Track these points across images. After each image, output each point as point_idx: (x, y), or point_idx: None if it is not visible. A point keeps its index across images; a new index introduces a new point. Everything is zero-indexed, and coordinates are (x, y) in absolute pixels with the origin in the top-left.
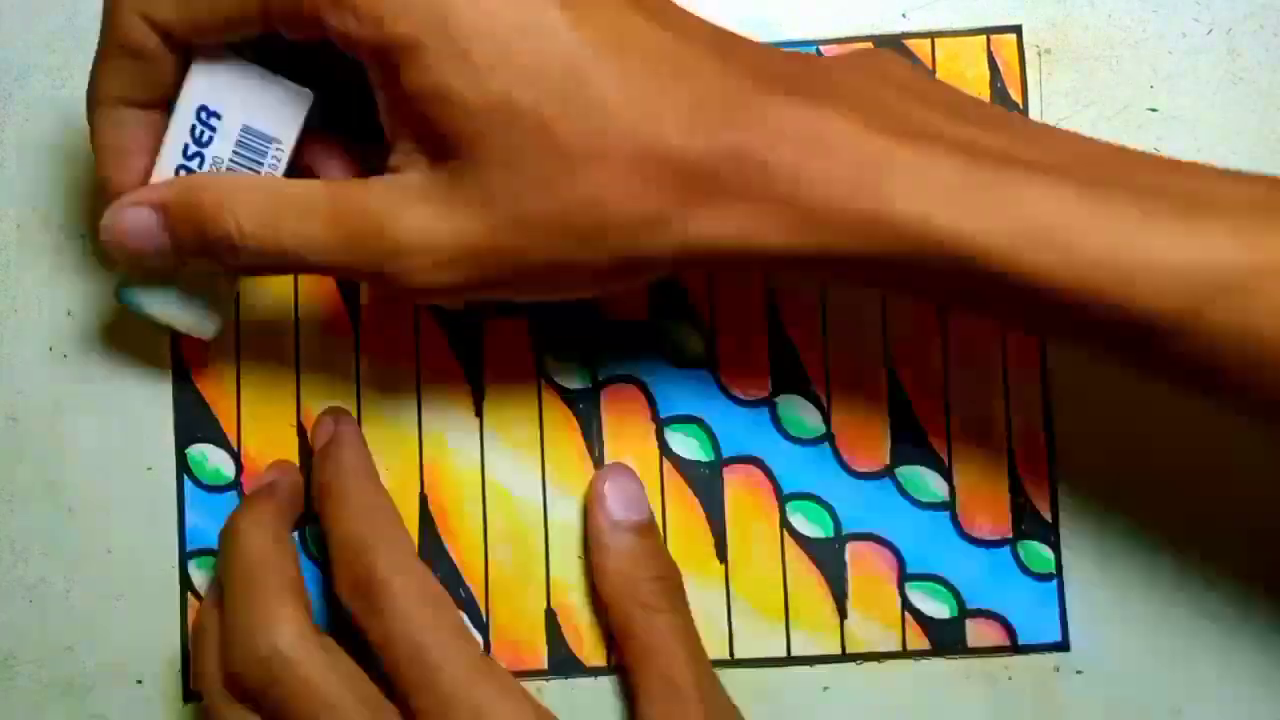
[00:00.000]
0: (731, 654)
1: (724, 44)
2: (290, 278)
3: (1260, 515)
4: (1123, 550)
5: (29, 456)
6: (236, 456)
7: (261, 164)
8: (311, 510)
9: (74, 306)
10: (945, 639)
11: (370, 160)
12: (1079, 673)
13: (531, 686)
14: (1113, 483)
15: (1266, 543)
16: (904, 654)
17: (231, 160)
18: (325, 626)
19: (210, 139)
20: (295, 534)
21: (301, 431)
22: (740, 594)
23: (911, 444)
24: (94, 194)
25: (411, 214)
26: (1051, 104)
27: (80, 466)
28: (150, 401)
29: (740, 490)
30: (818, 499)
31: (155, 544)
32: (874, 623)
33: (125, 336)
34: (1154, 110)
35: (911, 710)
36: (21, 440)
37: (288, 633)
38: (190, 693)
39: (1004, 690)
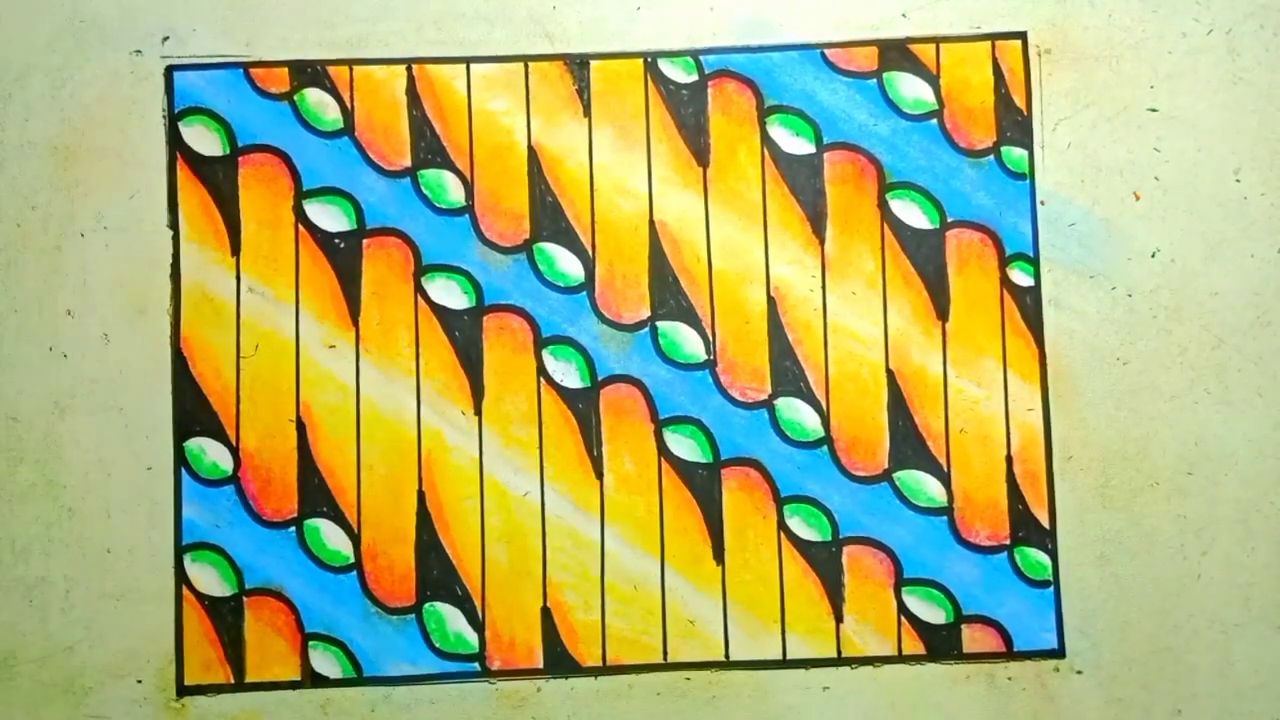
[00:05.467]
0: (727, 656)
1: None
2: (292, 275)
3: (1259, 516)
4: (1122, 552)
5: (29, 456)
6: (235, 450)
7: None
8: (310, 509)
9: (74, 306)
10: (941, 644)
11: None
12: (1079, 672)
13: (529, 686)
14: (1111, 487)
15: (1266, 543)
16: (899, 659)
17: None
18: (325, 626)
19: None
20: (294, 531)
21: (300, 426)
22: (736, 596)
23: (910, 448)
24: (94, 194)
25: None
26: (1052, 104)
27: (80, 466)
28: (150, 401)
29: (738, 492)
30: (815, 502)
31: (154, 544)
32: (870, 627)
33: (125, 336)
34: (1154, 110)
35: (912, 708)
36: (21, 440)
37: None
38: (185, 689)
39: (1004, 689)
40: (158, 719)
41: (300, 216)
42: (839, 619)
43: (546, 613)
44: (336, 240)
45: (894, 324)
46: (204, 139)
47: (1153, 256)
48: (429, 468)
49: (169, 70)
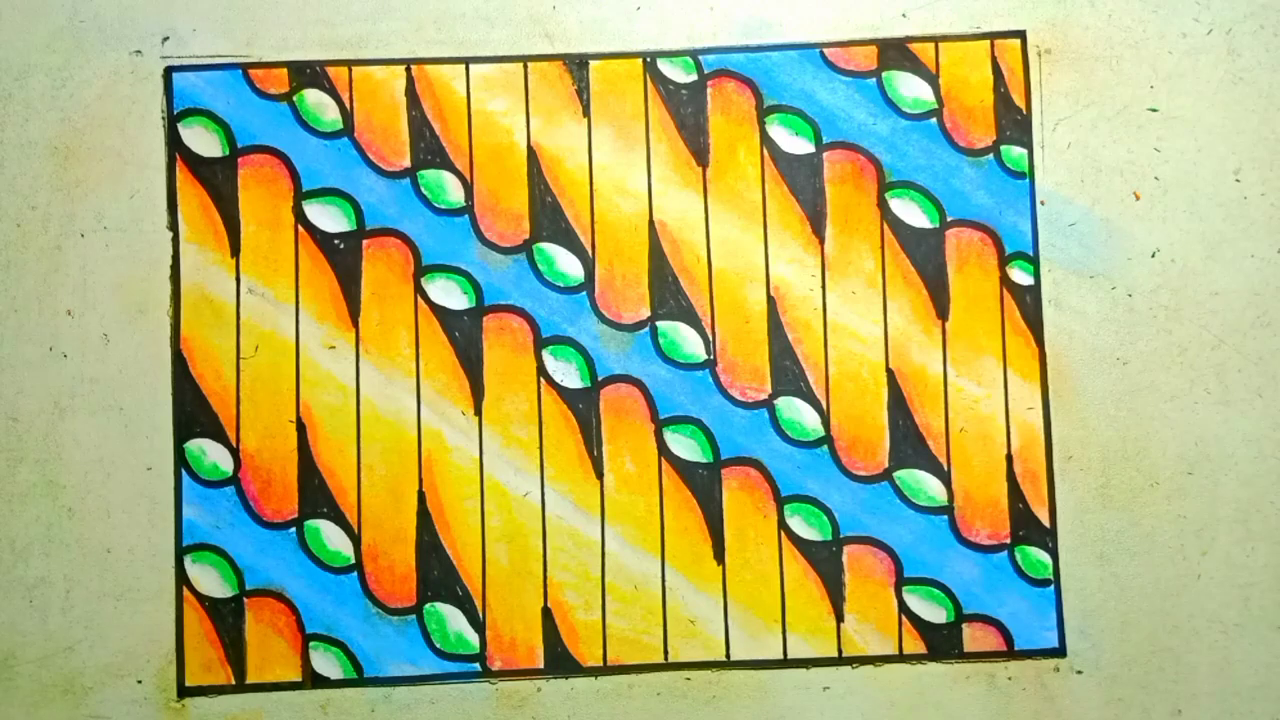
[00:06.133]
0: (728, 655)
1: None
2: (292, 276)
3: (1259, 516)
4: (1122, 552)
5: (29, 456)
6: (235, 451)
7: None
8: (310, 510)
9: (74, 306)
10: (941, 643)
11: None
12: (1079, 672)
13: (530, 686)
14: (1112, 486)
15: (1266, 543)
16: (900, 658)
17: None
18: (326, 626)
19: None
20: (294, 531)
21: (300, 427)
22: (737, 596)
23: (910, 447)
24: (94, 194)
25: None
26: (1051, 104)
27: (80, 466)
28: (150, 401)
29: (739, 492)
30: (816, 502)
31: (154, 544)
32: (870, 626)
33: (125, 336)
34: (1154, 110)
35: (912, 708)
36: (21, 440)
37: None
38: (186, 689)
39: (1004, 689)
40: (158, 719)
41: (300, 217)
42: (839, 618)
43: (547, 613)
44: (336, 241)
45: (894, 323)
46: (203, 140)
47: (1153, 256)
48: (429, 468)
49: (168, 71)
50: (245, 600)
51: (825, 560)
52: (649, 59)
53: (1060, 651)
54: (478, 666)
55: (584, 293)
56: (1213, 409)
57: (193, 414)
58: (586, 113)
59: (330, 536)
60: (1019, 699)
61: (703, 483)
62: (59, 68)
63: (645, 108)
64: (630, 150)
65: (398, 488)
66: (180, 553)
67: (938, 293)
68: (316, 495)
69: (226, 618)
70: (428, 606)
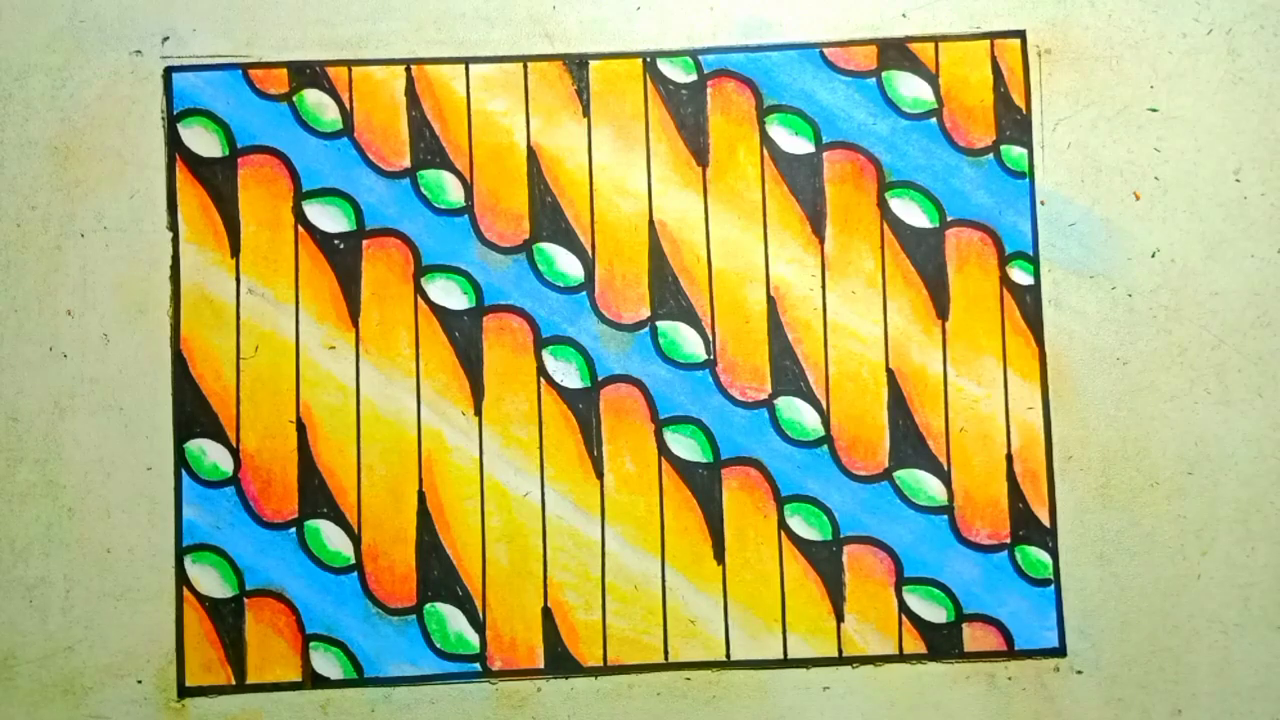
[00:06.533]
0: (728, 655)
1: None
2: (292, 276)
3: (1259, 516)
4: (1122, 552)
5: (29, 456)
6: (235, 452)
7: None
8: (310, 510)
9: (74, 306)
10: (942, 643)
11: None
12: (1078, 672)
13: (530, 686)
14: (1112, 486)
15: (1266, 543)
16: (900, 658)
17: None
18: (326, 626)
19: None
20: (295, 532)
21: (301, 427)
22: (737, 596)
23: (910, 447)
24: (94, 194)
25: None
26: (1051, 104)
27: (80, 466)
28: (150, 401)
29: (739, 492)
30: (816, 502)
31: (154, 545)
32: (870, 626)
33: (125, 336)
34: (1154, 110)
35: (912, 708)
36: (21, 440)
37: None
38: (186, 690)
39: (1004, 689)
40: (158, 719)
41: (300, 217)
42: (840, 618)
43: (547, 613)
44: (336, 241)
45: (894, 323)
46: (203, 140)
47: (1153, 256)
48: (429, 468)
49: (168, 71)
50: (245, 600)
51: (825, 560)
52: (649, 59)
53: (1060, 651)
54: (478, 666)
55: (584, 293)
56: (1213, 409)
57: (193, 414)
58: (586, 113)
59: (330, 536)
60: (1019, 699)
61: (703, 483)
62: (59, 68)
63: (645, 108)
64: (630, 150)
65: (398, 488)
66: (180, 553)
67: (938, 293)
68: (316, 495)
69: (226, 618)
70: (428, 606)
